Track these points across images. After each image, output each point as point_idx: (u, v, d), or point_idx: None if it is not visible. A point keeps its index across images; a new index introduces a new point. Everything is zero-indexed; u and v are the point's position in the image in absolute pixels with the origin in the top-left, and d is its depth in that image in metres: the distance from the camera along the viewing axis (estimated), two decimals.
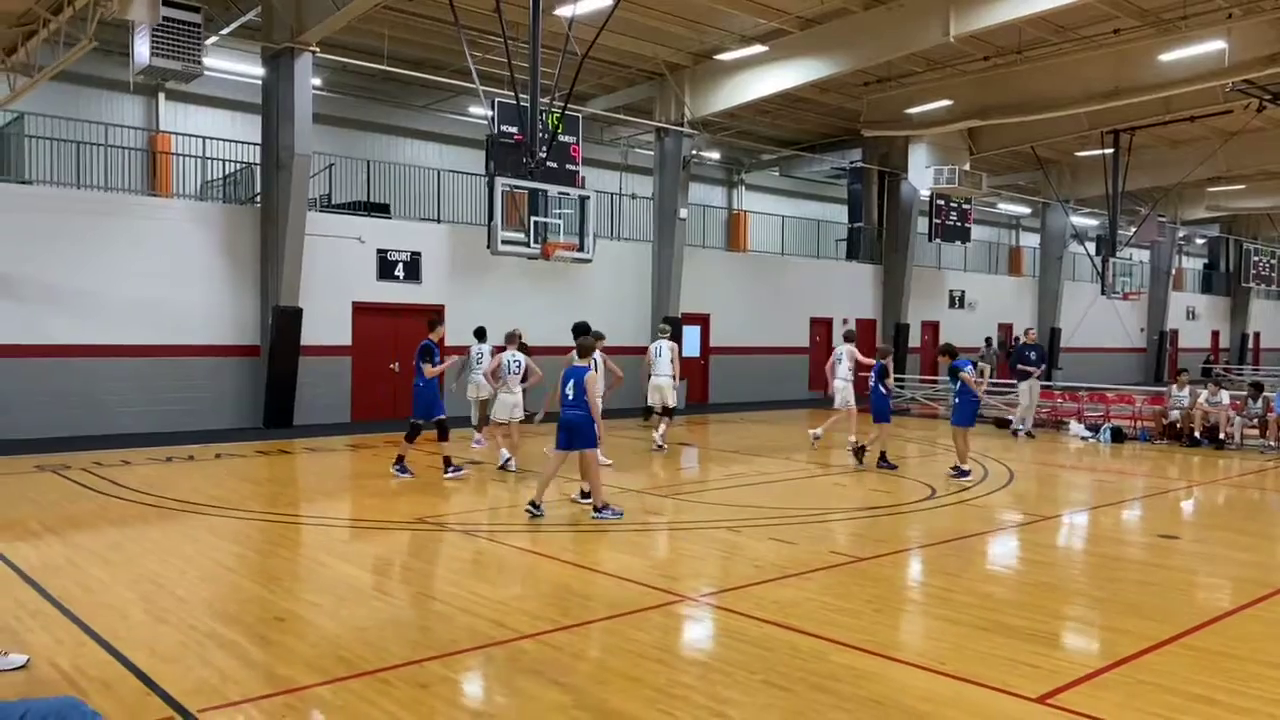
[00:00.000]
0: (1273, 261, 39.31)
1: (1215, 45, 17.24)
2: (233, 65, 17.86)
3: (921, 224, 27.13)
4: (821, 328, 25.82)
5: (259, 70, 16.60)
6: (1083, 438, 16.59)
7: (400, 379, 18.25)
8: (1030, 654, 5.39)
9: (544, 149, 14.97)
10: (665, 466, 13.41)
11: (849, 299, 26.37)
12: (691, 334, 22.78)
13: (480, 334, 14.51)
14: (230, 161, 18.00)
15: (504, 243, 14.43)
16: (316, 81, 17.71)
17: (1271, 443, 15.02)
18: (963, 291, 29.97)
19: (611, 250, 21.04)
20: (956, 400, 12.22)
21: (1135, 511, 10.61)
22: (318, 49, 15.84)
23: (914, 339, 27.70)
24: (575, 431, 8.96)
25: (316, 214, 17.11)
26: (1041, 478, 12.99)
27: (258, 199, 16.90)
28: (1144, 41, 18.20)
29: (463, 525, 9.05)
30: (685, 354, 22.37)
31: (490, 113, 16.55)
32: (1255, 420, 15.49)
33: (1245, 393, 16.16)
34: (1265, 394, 15.90)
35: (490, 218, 14.38)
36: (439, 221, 19.40)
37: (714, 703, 4.65)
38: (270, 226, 16.29)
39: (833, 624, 5.89)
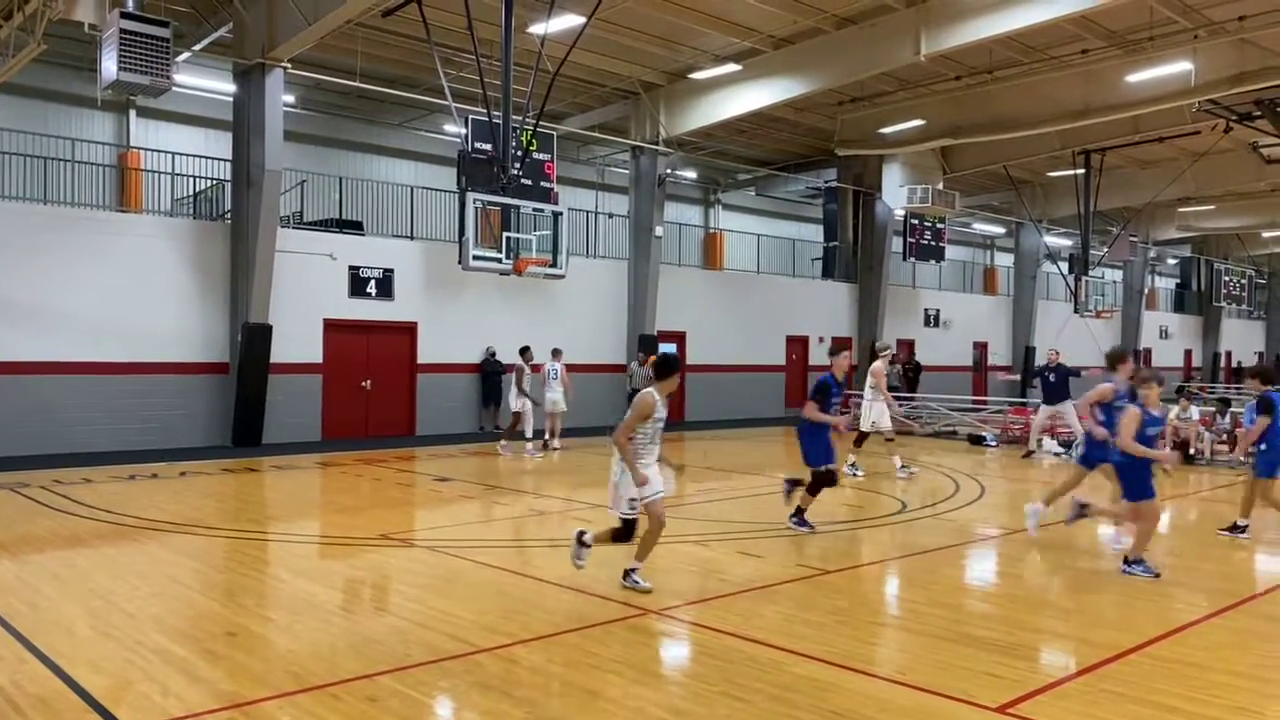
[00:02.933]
0: (1243, 281, 39.80)
1: (1181, 66, 17.48)
2: (204, 81, 17.80)
3: (896, 243, 27.27)
4: (797, 346, 25.86)
5: (230, 86, 16.52)
6: (1055, 454, 16.62)
7: (372, 396, 18.12)
8: (993, 664, 5.33)
9: (516, 165, 14.94)
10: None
11: (825, 317, 26.45)
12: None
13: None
14: (201, 178, 17.87)
15: (476, 258, 14.36)
16: (289, 98, 17.67)
17: (1240, 457, 15.06)
18: (937, 310, 30.11)
19: (587, 268, 21.01)
20: (1263, 446, 9.06)
21: (1105, 525, 10.59)
22: (289, 65, 15.76)
23: None
24: (1120, 477, 7.78)
25: (288, 230, 16.99)
26: (1013, 493, 12.99)
27: (228, 215, 16.77)
28: (1112, 62, 18.44)
29: (428, 541, 8.92)
30: None
31: (464, 130, 16.53)
32: (1224, 435, 15.58)
33: (1214, 409, 16.28)
34: (1233, 409, 16.02)
35: (461, 233, 14.31)
36: (412, 238, 19.31)
37: (670, 714, 4.56)
38: (240, 243, 16.15)
39: (795, 636, 5.82)
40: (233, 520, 9.91)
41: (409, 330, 18.53)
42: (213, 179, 17.71)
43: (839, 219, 27.12)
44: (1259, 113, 20.12)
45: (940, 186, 24.83)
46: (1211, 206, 32.70)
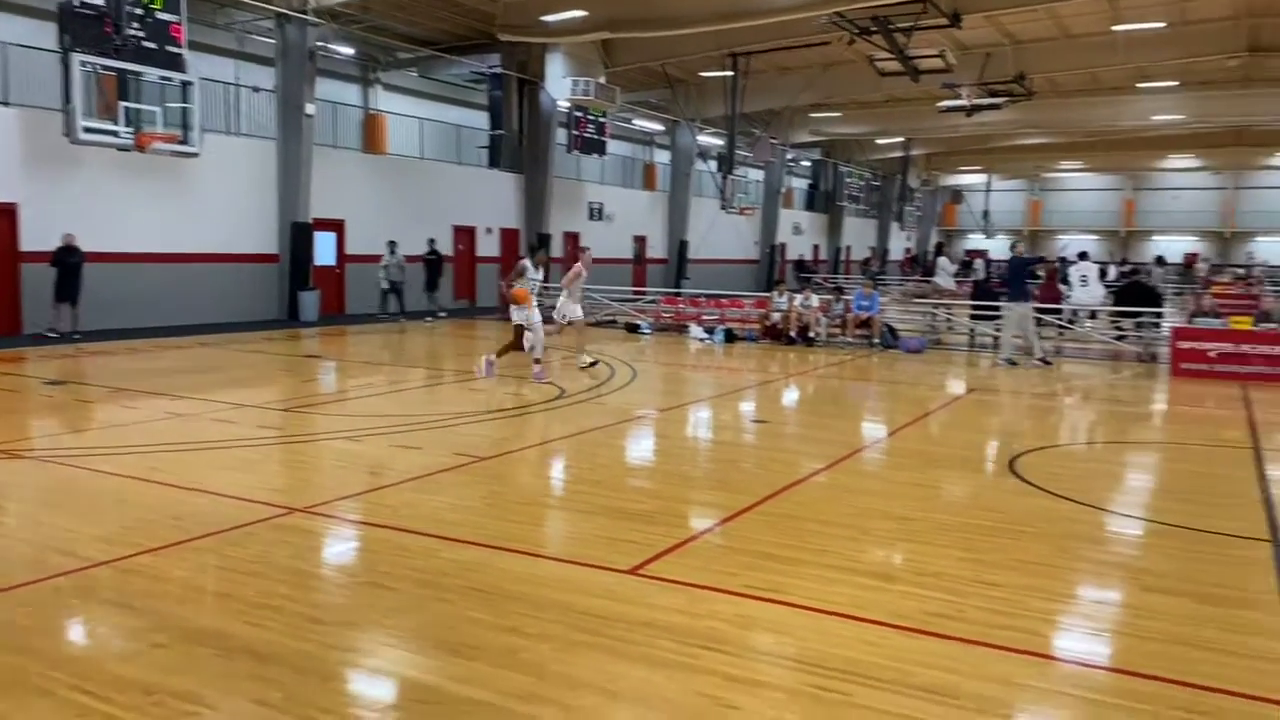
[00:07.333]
0: (861, 183, 44.96)
1: None
2: None
3: (561, 135, 27.55)
4: (464, 236, 25.59)
5: None
6: (700, 339, 18.05)
7: None
8: (632, 532, 5.77)
9: (134, 24, 13.10)
10: (288, 379, 12.68)
11: (492, 208, 26.33)
12: (326, 240, 21.57)
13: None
14: None
15: (87, 130, 12.55)
16: None
17: (849, 338, 17.28)
18: (601, 204, 31.06)
19: (229, 146, 19.19)
20: None
21: (737, 402, 11.75)
22: None
23: (556, 249, 28.35)
24: None
25: None
26: (662, 376, 13.97)
27: None
28: None
29: (36, 452, 7.93)
30: (319, 263, 21.22)
31: None
32: (838, 320, 17.72)
33: (830, 297, 18.43)
34: (845, 297, 18.22)
35: (67, 101, 12.41)
36: (8, 105, 16.42)
37: (310, 609, 4.48)
38: None
39: (446, 522, 5.90)
40: None
41: (7, 212, 15.92)
42: None
43: (504, 107, 26.79)
44: (875, 29, 22.35)
45: (602, 80, 25.23)
46: (838, 114, 36.25)
